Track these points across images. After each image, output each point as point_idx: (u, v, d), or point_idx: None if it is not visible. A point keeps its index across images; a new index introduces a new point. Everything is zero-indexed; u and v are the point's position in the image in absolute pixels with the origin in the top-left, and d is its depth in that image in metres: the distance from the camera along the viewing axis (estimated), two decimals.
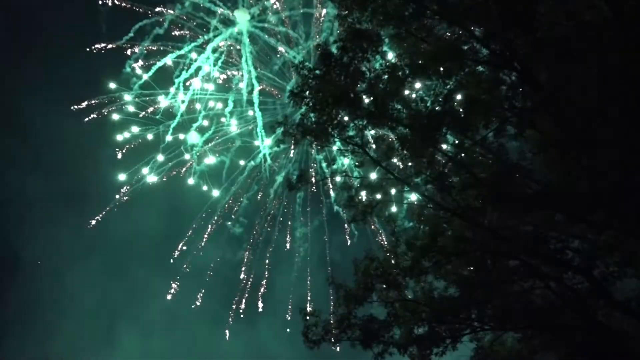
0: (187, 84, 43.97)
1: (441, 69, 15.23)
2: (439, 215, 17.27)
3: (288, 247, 48.68)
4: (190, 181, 46.60)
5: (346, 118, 16.02)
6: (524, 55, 14.25)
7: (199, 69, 43.48)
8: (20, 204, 48.02)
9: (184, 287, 48.29)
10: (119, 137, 45.13)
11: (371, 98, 15.42)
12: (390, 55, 16.47)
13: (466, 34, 15.20)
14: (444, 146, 16.25)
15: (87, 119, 44.21)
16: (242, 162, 47.51)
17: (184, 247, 48.05)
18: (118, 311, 49.72)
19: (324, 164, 43.60)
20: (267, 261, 48.54)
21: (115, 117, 44.91)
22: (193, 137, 46.29)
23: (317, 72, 15.06)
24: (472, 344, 17.31)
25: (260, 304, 47.58)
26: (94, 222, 46.42)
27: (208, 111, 45.49)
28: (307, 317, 16.59)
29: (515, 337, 17.54)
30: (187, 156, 46.72)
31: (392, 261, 17.52)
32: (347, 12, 16.03)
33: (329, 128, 15.99)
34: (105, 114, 44.43)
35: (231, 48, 43.90)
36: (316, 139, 16.53)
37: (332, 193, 44.04)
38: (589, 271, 15.46)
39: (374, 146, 18.00)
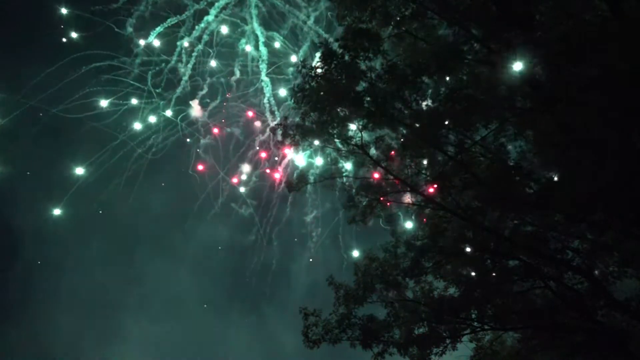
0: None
1: (441, 69, 15.27)
2: (439, 215, 17.29)
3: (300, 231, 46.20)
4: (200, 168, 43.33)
5: (347, 118, 16.04)
6: (524, 55, 14.26)
7: (201, 34, 40.46)
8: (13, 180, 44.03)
9: (190, 273, 46.54)
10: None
11: (372, 98, 15.42)
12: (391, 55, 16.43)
13: (466, 34, 15.21)
14: (444, 146, 16.24)
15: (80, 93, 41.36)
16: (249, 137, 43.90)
17: (189, 231, 45.80)
18: (121, 297, 47.23)
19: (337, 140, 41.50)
20: (274, 244, 46.31)
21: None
22: (196, 110, 43.07)
23: (319, 71, 15.07)
24: (472, 344, 17.32)
25: (268, 291, 45.89)
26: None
27: (213, 79, 42.44)
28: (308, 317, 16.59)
29: (515, 337, 17.52)
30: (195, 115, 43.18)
31: (392, 261, 17.53)
32: (346, 12, 16.08)
33: (329, 128, 16.01)
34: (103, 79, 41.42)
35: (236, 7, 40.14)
36: (316, 139, 16.54)
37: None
38: (589, 271, 15.47)
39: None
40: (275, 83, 42.55)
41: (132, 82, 41.97)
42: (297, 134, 16.77)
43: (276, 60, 42.16)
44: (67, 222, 44.91)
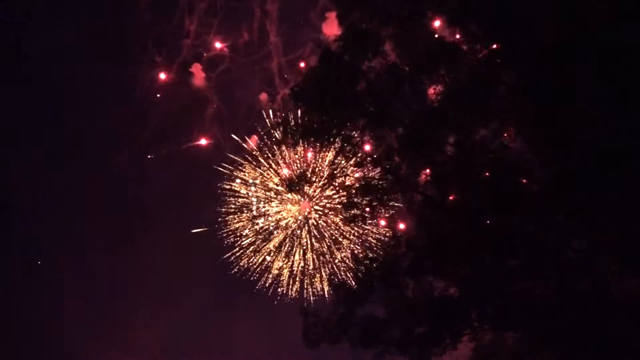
0: None
1: (441, 69, 15.29)
2: (439, 215, 17.29)
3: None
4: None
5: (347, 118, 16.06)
6: (524, 55, 14.28)
7: None
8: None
9: (192, 258, 44.15)
10: None
11: (372, 98, 15.46)
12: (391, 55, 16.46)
13: (466, 33, 15.23)
14: (444, 146, 16.25)
15: None
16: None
17: (193, 212, 42.57)
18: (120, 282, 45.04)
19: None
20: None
21: None
22: (199, 77, 39.13)
23: (319, 71, 15.12)
24: (472, 344, 17.31)
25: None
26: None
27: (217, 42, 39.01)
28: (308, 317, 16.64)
29: (515, 337, 17.52)
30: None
31: (392, 261, 17.55)
32: (346, 12, 16.10)
33: (329, 128, 16.03)
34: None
35: None
36: (317, 138, 16.56)
37: None
38: (589, 271, 15.45)
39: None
40: (286, 46, 38.77)
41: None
42: (298, 134, 16.81)
43: (287, 20, 38.75)
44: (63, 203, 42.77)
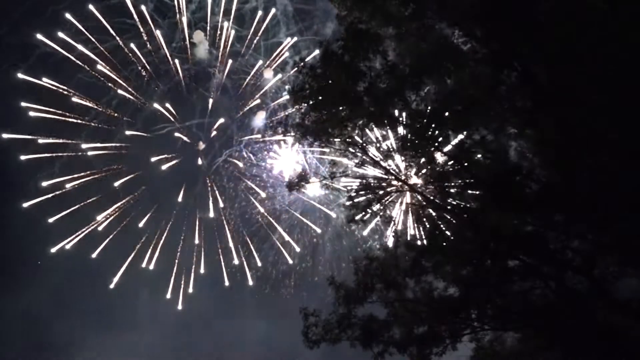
0: None
1: (441, 69, 15.28)
2: (439, 215, 17.29)
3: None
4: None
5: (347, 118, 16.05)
6: (524, 55, 14.27)
7: None
8: None
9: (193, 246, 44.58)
10: None
11: (371, 98, 15.44)
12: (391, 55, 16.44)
13: (466, 33, 15.22)
14: (444, 146, 16.25)
15: None
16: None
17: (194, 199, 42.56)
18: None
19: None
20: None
21: None
22: (201, 48, 37.48)
23: (318, 71, 15.09)
24: (472, 344, 17.31)
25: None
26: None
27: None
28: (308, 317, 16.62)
29: (515, 337, 17.51)
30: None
31: (392, 261, 17.53)
32: (346, 12, 16.09)
33: (329, 128, 16.01)
34: None
35: None
36: (316, 138, 16.55)
37: None
38: (589, 271, 15.46)
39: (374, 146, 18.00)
40: (295, 15, 37.47)
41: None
42: (298, 134, 16.78)
43: None
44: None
